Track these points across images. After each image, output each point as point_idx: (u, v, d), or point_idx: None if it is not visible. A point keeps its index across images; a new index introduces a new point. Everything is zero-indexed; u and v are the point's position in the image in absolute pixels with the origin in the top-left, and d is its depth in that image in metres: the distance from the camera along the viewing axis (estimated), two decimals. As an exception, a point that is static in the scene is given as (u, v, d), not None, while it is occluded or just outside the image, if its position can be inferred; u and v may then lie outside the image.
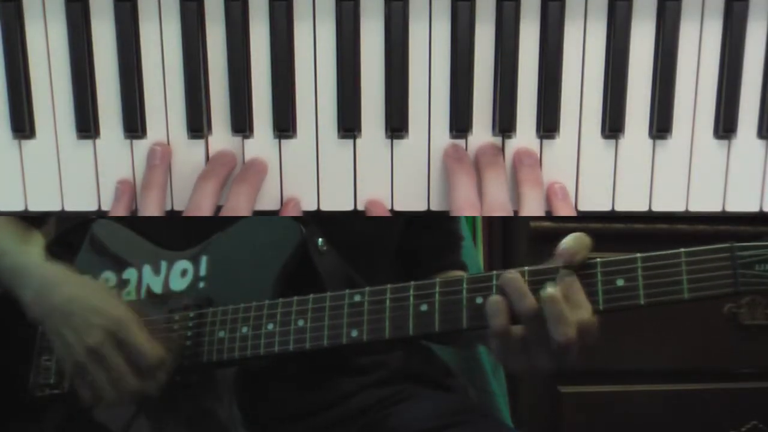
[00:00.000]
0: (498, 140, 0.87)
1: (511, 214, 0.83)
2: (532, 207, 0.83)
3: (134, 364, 0.82)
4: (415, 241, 1.06)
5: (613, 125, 0.86)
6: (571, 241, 0.73)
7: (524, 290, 0.72)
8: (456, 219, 1.12)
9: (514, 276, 0.73)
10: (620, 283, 0.71)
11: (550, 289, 0.70)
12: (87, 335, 0.82)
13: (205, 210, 0.82)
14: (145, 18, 0.86)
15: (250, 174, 0.86)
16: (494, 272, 0.76)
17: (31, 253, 0.93)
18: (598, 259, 0.73)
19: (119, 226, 0.96)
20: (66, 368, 0.86)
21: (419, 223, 1.04)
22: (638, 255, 0.72)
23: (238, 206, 0.83)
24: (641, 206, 0.89)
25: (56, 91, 0.87)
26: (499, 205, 0.81)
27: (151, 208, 0.84)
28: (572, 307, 0.70)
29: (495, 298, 0.72)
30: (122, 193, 0.87)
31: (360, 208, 0.88)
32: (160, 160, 0.86)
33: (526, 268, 0.74)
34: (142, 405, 0.86)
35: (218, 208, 0.86)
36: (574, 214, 0.87)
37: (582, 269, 0.73)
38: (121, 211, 0.86)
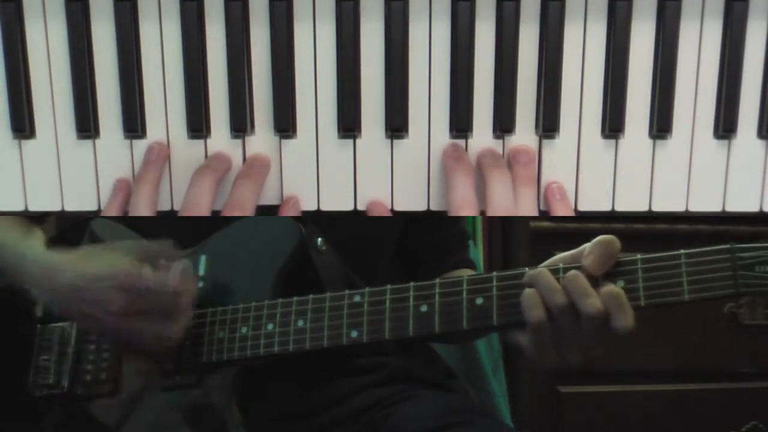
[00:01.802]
0: (498, 141, 0.87)
1: (517, 215, 0.83)
2: (527, 205, 0.83)
3: (162, 304, 0.81)
4: (422, 240, 1.06)
5: (613, 125, 0.86)
6: (599, 252, 0.72)
7: (555, 285, 0.72)
8: (462, 218, 1.12)
9: (542, 271, 0.73)
10: (621, 284, 0.71)
11: (614, 286, 0.70)
12: (108, 303, 0.81)
13: (203, 206, 0.82)
14: (145, 18, 0.86)
15: (255, 168, 0.86)
16: (494, 273, 0.76)
17: (32, 245, 0.93)
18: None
19: (118, 225, 0.96)
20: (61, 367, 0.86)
21: (426, 222, 1.04)
22: (638, 256, 0.72)
23: (243, 199, 0.83)
24: (641, 206, 0.89)
25: (56, 91, 0.87)
26: (505, 208, 0.82)
27: (141, 204, 0.84)
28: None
29: (530, 291, 0.72)
30: (119, 190, 0.87)
31: (360, 208, 0.88)
32: (156, 157, 0.86)
33: (560, 265, 0.73)
34: (141, 405, 0.86)
35: (216, 211, 0.86)
36: (572, 213, 0.87)
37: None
38: (116, 208, 0.86)
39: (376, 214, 0.87)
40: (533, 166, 0.86)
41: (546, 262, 0.74)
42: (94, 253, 0.88)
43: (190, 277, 0.84)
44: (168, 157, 0.87)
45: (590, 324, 0.70)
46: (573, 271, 0.71)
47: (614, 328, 0.70)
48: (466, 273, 1.05)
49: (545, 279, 0.72)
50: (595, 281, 0.71)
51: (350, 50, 0.85)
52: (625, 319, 0.70)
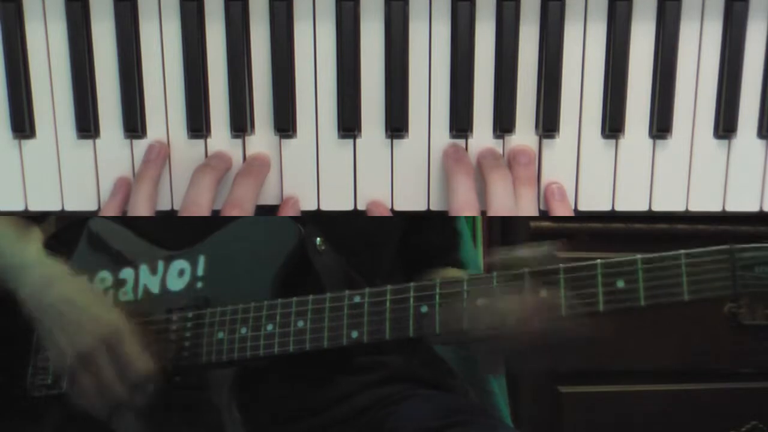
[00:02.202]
0: (498, 140, 0.87)
1: (517, 215, 0.84)
2: (527, 206, 0.83)
3: (123, 375, 0.82)
4: (414, 240, 1.06)
5: (613, 125, 0.86)
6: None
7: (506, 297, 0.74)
8: (455, 217, 1.12)
9: (490, 284, 0.75)
10: (620, 284, 0.71)
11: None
12: (78, 340, 0.82)
13: (202, 204, 0.82)
14: (145, 18, 0.86)
15: (254, 167, 0.86)
16: (494, 273, 0.76)
17: (29, 249, 0.93)
18: (599, 260, 0.73)
19: (116, 224, 0.96)
20: (57, 365, 0.86)
21: (418, 221, 1.04)
22: (638, 256, 0.72)
23: (243, 198, 0.83)
24: (641, 206, 0.89)
25: (56, 91, 0.87)
26: (505, 209, 0.82)
27: (140, 202, 0.84)
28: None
29: (480, 302, 0.75)
30: (119, 188, 0.87)
31: (360, 208, 0.88)
32: (157, 155, 0.86)
33: (494, 274, 0.76)
34: (140, 406, 0.86)
35: (216, 210, 0.86)
36: (571, 214, 0.87)
37: (583, 270, 0.73)
38: (115, 206, 0.86)
39: (376, 214, 0.87)
40: (533, 167, 0.86)
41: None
42: (93, 289, 0.88)
43: (167, 357, 0.84)
44: (168, 157, 0.87)
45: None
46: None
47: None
48: (454, 273, 1.06)
49: (495, 292, 0.75)
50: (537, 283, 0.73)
51: (350, 50, 0.85)
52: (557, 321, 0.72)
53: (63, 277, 0.88)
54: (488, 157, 0.86)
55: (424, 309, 0.77)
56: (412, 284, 0.78)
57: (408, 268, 1.05)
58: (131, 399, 0.82)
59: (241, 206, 0.83)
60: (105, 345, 0.82)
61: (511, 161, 0.86)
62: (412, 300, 0.77)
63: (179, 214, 0.85)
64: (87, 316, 0.83)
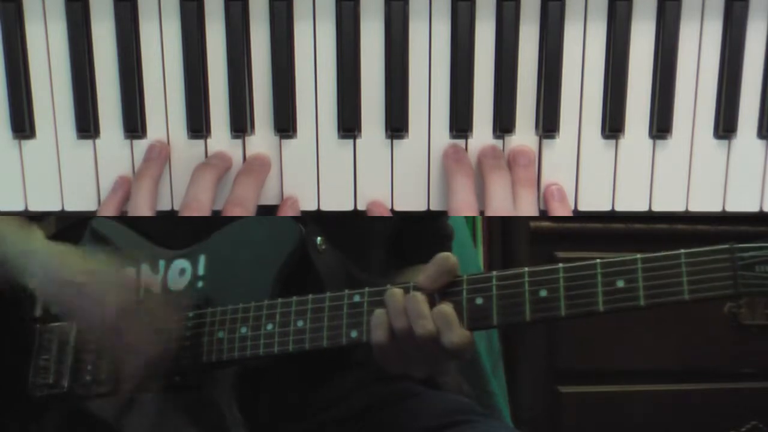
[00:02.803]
0: (498, 140, 0.87)
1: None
2: (526, 207, 0.83)
3: (160, 306, 0.83)
4: (404, 240, 1.06)
5: (613, 125, 0.86)
6: (432, 269, 0.76)
7: (399, 308, 0.75)
8: (444, 217, 1.12)
9: (394, 292, 0.76)
10: (620, 284, 0.71)
11: (444, 305, 0.74)
12: (108, 300, 0.82)
13: (203, 202, 0.82)
14: (145, 18, 0.86)
15: (255, 167, 0.86)
16: (494, 273, 0.76)
17: (34, 238, 0.93)
18: (598, 260, 0.73)
19: (118, 224, 0.96)
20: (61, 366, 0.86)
21: (407, 222, 1.04)
22: (638, 256, 0.71)
23: (244, 198, 0.83)
24: (641, 206, 0.89)
25: (56, 91, 0.87)
26: (504, 210, 0.82)
27: (140, 201, 0.84)
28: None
29: (379, 312, 0.76)
30: (119, 186, 0.87)
31: (360, 208, 0.88)
32: (158, 154, 0.86)
33: (412, 282, 0.77)
34: (141, 405, 0.86)
35: (217, 210, 0.86)
36: (570, 214, 0.87)
37: (583, 270, 0.73)
38: (114, 204, 0.86)
39: (376, 214, 0.87)
40: (533, 168, 0.86)
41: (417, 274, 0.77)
42: (98, 252, 0.88)
43: (188, 292, 0.85)
44: (168, 156, 0.87)
45: (425, 344, 0.73)
46: (411, 293, 0.75)
47: (443, 345, 0.73)
48: None
49: (394, 300, 0.75)
50: (432, 299, 0.75)
51: (350, 50, 0.85)
52: (452, 336, 0.73)
53: (71, 253, 0.88)
54: (488, 156, 0.86)
55: (424, 308, 0.77)
56: (411, 283, 0.78)
57: (398, 270, 1.05)
58: (135, 395, 0.83)
59: (243, 205, 0.83)
60: (132, 297, 0.83)
61: (511, 162, 0.86)
62: (411, 299, 0.77)
63: (180, 213, 0.85)
64: (106, 275, 0.83)
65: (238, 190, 0.84)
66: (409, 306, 0.74)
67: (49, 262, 0.87)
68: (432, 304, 0.75)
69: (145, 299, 0.83)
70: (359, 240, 0.96)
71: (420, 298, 0.74)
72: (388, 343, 0.75)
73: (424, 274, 0.75)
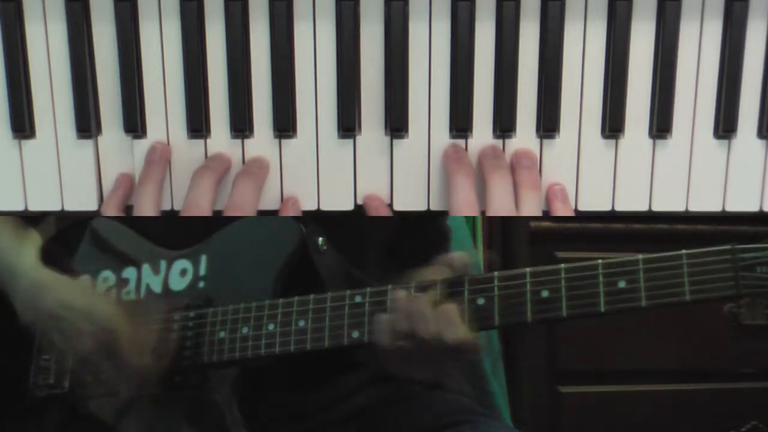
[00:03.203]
0: (498, 140, 0.87)
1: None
2: (530, 209, 0.83)
3: (123, 371, 0.82)
4: (402, 240, 1.06)
5: (613, 125, 0.86)
6: (447, 269, 0.76)
7: (403, 310, 0.75)
8: (443, 216, 1.12)
9: (399, 295, 0.76)
10: (622, 285, 0.71)
11: (448, 305, 0.74)
12: (76, 341, 0.83)
13: (204, 206, 0.82)
14: (145, 18, 0.86)
15: (254, 169, 0.86)
16: (495, 273, 0.76)
17: (25, 255, 0.93)
18: (600, 261, 0.73)
19: (118, 224, 0.96)
20: (62, 367, 0.86)
21: (406, 221, 1.04)
22: (640, 257, 0.72)
23: (244, 200, 0.83)
24: (641, 206, 0.89)
25: (56, 91, 0.87)
26: (504, 210, 0.82)
27: (145, 204, 0.84)
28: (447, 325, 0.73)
29: (382, 317, 0.76)
30: (120, 184, 0.87)
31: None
32: (160, 157, 0.86)
33: (412, 284, 0.77)
34: (142, 405, 0.86)
35: (217, 211, 0.86)
36: (572, 214, 0.87)
37: (584, 271, 0.73)
38: (116, 202, 0.86)
39: (373, 207, 0.87)
40: (536, 170, 0.86)
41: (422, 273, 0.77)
42: (86, 289, 0.88)
43: (168, 354, 0.84)
44: (170, 158, 0.87)
45: (428, 345, 0.73)
46: (415, 294, 0.75)
47: (446, 346, 0.72)
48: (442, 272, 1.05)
49: (398, 303, 0.76)
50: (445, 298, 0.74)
51: (350, 50, 0.85)
52: (455, 337, 0.72)
53: (56, 283, 0.88)
54: (489, 156, 0.86)
55: (425, 308, 0.77)
56: (413, 284, 0.78)
57: (398, 269, 1.05)
58: (135, 393, 0.83)
59: (242, 208, 0.83)
60: (101, 344, 0.82)
61: (514, 164, 0.86)
62: (413, 300, 0.77)
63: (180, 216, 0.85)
64: (82, 317, 0.84)
65: (237, 194, 0.84)
66: (413, 308, 0.74)
67: (34, 286, 0.87)
68: (435, 304, 0.74)
69: (130, 324, 0.83)
70: (360, 241, 0.96)
71: (423, 299, 0.74)
72: (392, 346, 0.75)
73: (441, 275, 0.75)
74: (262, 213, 0.87)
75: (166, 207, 0.88)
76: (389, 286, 0.79)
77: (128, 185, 0.87)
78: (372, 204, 0.87)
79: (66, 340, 0.83)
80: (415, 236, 1.05)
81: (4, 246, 0.93)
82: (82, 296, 0.87)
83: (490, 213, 0.82)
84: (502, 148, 0.87)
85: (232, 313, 0.85)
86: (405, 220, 1.02)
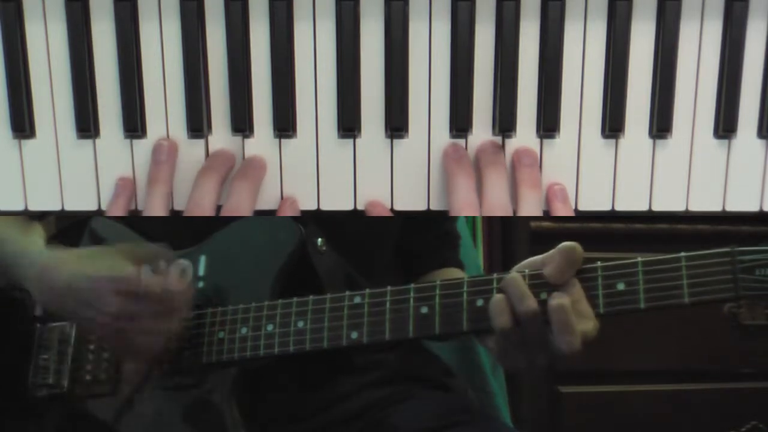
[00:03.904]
0: (498, 140, 0.87)
1: (511, 215, 0.83)
2: (531, 208, 0.83)
3: (159, 307, 0.82)
4: (413, 241, 1.06)
5: (613, 125, 0.86)
6: (560, 260, 0.73)
7: (525, 292, 0.72)
8: (453, 218, 1.12)
9: (515, 277, 0.73)
10: (621, 287, 0.71)
11: (560, 300, 0.70)
12: (103, 305, 0.82)
13: (206, 207, 0.82)
14: (145, 18, 0.85)
15: (251, 171, 0.86)
16: (494, 275, 0.76)
17: (33, 243, 0.93)
18: (599, 263, 0.73)
19: (118, 224, 0.96)
20: (61, 366, 0.86)
21: (416, 222, 1.04)
22: (639, 259, 0.71)
23: (241, 204, 0.83)
24: (641, 206, 0.88)
25: (56, 91, 0.87)
26: (499, 206, 0.81)
27: (157, 205, 0.84)
28: (578, 317, 0.71)
29: (498, 297, 0.73)
30: (122, 189, 0.87)
31: (360, 208, 0.88)
32: (167, 156, 0.85)
33: (527, 271, 0.74)
34: (141, 406, 0.86)
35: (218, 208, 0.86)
36: (572, 214, 0.87)
37: (582, 273, 0.73)
38: (120, 208, 0.86)
39: (375, 213, 0.87)
40: (537, 168, 0.86)
41: (516, 266, 0.75)
42: (93, 254, 0.88)
43: (188, 279, 0.84)
44: (176, 154, 0.87)
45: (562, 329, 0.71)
46: (512, 274, 0.73)
47: (554, 344, 0.71)
48: (454, 273, 1.05)
49: (515, 285, 0.73)
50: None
51: (350, 50, 0.85)
52: (567, 338, 0.70)
53: (65, 257, 0.88)
54: (486, 152, 0.85)
55: (425, 310, 0.77)
56: (412, 285, 0.78)
57: (407, 270, 1.05)
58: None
59: (240, 210, 0.83)
60: (128, 294, 0.82)
61: (515, 162, 0.86)
62: (412, 301, 0.77)
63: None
64: (99, 280, 0.83)
65: (234, 198, 0.83)
66: (509, 287, 0.72)
67: (45, 267, 0.87)
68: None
69: (143, 299, 0.82)
70: (361, 242, 0.96)
71: (520, 280, 0.73)
72: (511, 329, 0.73)
73: (552, 264, 0.73)
74: (262, 212, 0.87)
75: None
76: (388, 287, 0.79)
77: (130, 189, 0.86)
78: (374, 210, 0.87)
79: (93, 306, 0.83)
80: (425, 237, 1.06)
81: (12, 237, 0.93)
82: (90, 259, 0.87)
83: (485, 208, 0.82)
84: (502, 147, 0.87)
85: (231, 313, 0.85)
86: (414, 221, 1.02)
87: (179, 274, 0.83)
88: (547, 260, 0.73)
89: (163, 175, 0.85)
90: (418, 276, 1.04)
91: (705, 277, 0.69)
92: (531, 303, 0.72)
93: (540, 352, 0.73)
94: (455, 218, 1.14)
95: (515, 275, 0.74)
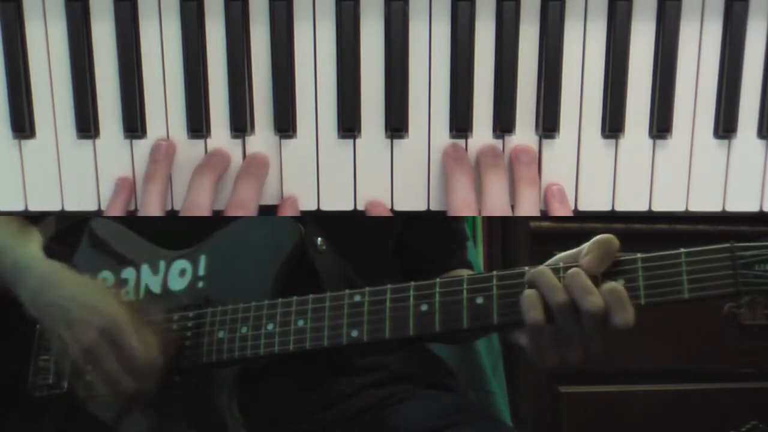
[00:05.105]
0: (498, 140, 0.87)
1: (510, 215, 0.83)
2: (528, 206, 0.83)
3: (127, 365, 0.82)
4: (422, 241, 1.06)
5: (613, 125, 0.86)
6: (598, 251, 0.72)
7: (556, 283, 0.71)
8: (462, 218, 1.12)
9: (543, 270, 0.72)
10: (621, 283, 0.71)
11: (614, 283, 0.70)
12: (82, 334, 0.82)
13: (203, 205, 0.82)
14: (145, 18, 0.86)
15: (255, 167, 0.86)
16: (494, 272, 0.76)
17: (30, 251, 0.93)
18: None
19: (117, 225, 0.96)
20: (63, 365, 0.86)
21: (426, 222, 1.04)
22: (638, 255, 0.72)
23: (246, 199, 0.83)
24: (641, 206, 0.89)
25: (56, 91, 0.87)
26: (498, 208, 0.82)
27: (152, 203, 0.84)
28: None
29: (529, 292, 0.72)
30: (121, 189, 0.87)
31: (360, 208, 0.88)
32: (164, 155, 0.86)
33: (560, 264, 0.73)
34: (142, 405, 0.86)
35: (218, 210, 0.86)
36: (570, 214, 0.87)
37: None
38: (119, 207, 0.86)
39: (375, 213, 0.87)
40: (536, 166, 0.86)
41: (546, 263, 0.74)
42: (93, 284, 0.88)
43: (168, 353, 0.84)
44: (174, 154, 0.87)
45: (591, 322, 0.70)
46: (574, 269, 0.71)
47: (614, 325, 0.69)
48: (464, 273, 1.05)
49: (547, 277, 0.72)
50: (595, 280, 0.71)
51: (350, 50, 0.85)
52: (625, 316, 0.69)
53: (63, 276, 0.88)
54: (487, 154, 0.85)
55: (425, 308, 0.77)
56: (412, 283, 0.78)
57: (414, 271, 1.05)
58: (137, 389, 0.83)
59: (245, 207, 0.83)
60: (108, 337, 0.82)
61: (513, 160, 0.86)
62: (412, 299, 0.77)
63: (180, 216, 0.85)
64: (89, 309, 0.84)
65: (240, 192, 0.84)
66: (575, 282, 0.71)
67: (39, 282, 0.87)
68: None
69: (133, 319, 0.83)
70: (361, 241, 0.96)
71: (584, 274, 0.71)
72: (543, 323, 0.71)
73: (590, 255, 0.72)
74: (262, 207, 0.87)
75: (166, 207, 0.88)
76: (388, 286, 0.79)
77: (129, 189, 0.87)
78: (374, 210, 0.87)
79: (71, 331, 0.83)
80: (435, 237, 1.06)
81: (9, 242, 0.93)
82: (89, 289, 0.87)
83: (485, 211, 0.82)
84: (501, 148, 0.87)
85: (231, 312, 0.85)
86: (420, 221, 1.02)
87: (161, 348, 0.83)
88: (585, 252, 0.72)
89: (160, 174, 0.85)
90: (428, 278, 1.03)
91: (705, 272, 0.69)
92: (563, 294, 0.71)
93: (573, 344, 0.72)
94: (464, 218, 1.14)
95: (543, 268, 0.73)
